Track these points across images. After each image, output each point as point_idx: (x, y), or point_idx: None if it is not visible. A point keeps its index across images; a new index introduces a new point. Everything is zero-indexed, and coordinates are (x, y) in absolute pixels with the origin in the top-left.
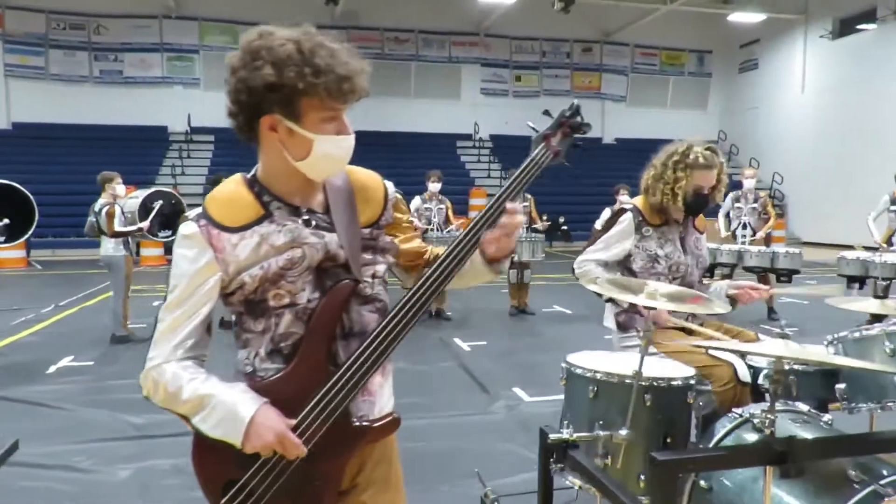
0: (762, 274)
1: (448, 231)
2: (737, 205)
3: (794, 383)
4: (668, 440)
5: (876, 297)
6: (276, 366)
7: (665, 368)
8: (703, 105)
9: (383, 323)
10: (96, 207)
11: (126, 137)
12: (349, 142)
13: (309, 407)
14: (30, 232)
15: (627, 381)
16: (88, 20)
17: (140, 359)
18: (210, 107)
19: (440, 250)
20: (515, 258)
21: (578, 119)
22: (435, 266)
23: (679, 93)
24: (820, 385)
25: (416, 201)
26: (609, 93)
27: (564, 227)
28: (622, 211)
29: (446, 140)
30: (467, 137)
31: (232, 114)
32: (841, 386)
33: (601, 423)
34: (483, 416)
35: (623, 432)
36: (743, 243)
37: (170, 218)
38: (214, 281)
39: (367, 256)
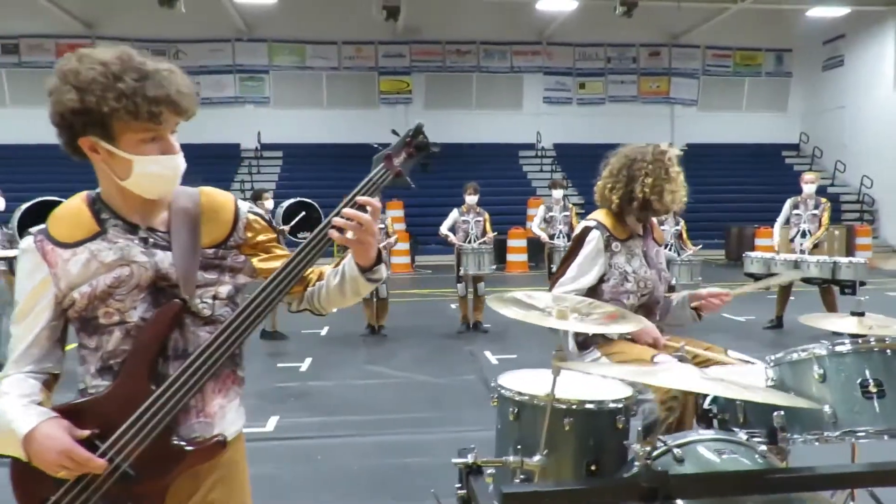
0: (824, 286)
1: (482, 243)
2: (795, 211)
3: (740, 409)
4: (594, 468)
5: (854, 314)
6: (106, 382)
7: (594, 390)
8: (782, 107)
9: (205, 344)
10: None
11: (203, 155)
12: (175, 161)
13: (126, 425)
14: None
15: (544, 402)
16: (169, 46)
17: None
18: (279, 123)
19: (327, 269)
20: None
21: (423, 139)
22: (259, 291)
23: (756, 94)
24: (770, 412)
25: (454, 214)
26: (679, 97)
27: None
28: (586, 230)
29: (508, 150)
30: (530, 147)
31: (57, 135)
32: (778, 414)
33: (520, 447)
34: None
35: (535, 459)
36: (802, 252)
37: None
38: (51, 296)
39: (210, 276)
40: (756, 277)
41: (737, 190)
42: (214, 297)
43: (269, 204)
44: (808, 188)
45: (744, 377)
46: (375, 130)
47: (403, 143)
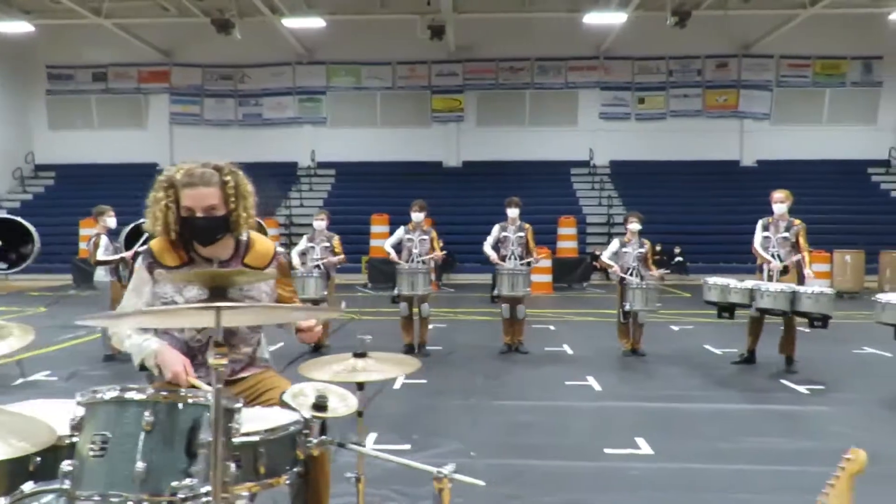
0: (787, 318)
1: (421, 261)
2: (765, 234)
3: (263, 455)
4: None
5: (356, 355)
6: None
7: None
8: (871, 119)
9: None
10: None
11: (262, 173)
12: None
13: None
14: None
15: None
16: (235, 71)
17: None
18: (334, 142)
19: None
20: (496, 291)
21: None
22: None
23: (838, 106)
24: None
25: (399, 232)
26: (749, 111)
27: (680, 259)
28: (136, 255)
29: (560, 167)
30: (584, 164)
31: None
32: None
33: None
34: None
35: None
36: (770, 279)
37: None
38: None
39: None
40: (717, 305)
41: (815, 210)
42: None
43: (111, 221)
44: (779, 208)
45: None
46: (427, 148)
47: None
